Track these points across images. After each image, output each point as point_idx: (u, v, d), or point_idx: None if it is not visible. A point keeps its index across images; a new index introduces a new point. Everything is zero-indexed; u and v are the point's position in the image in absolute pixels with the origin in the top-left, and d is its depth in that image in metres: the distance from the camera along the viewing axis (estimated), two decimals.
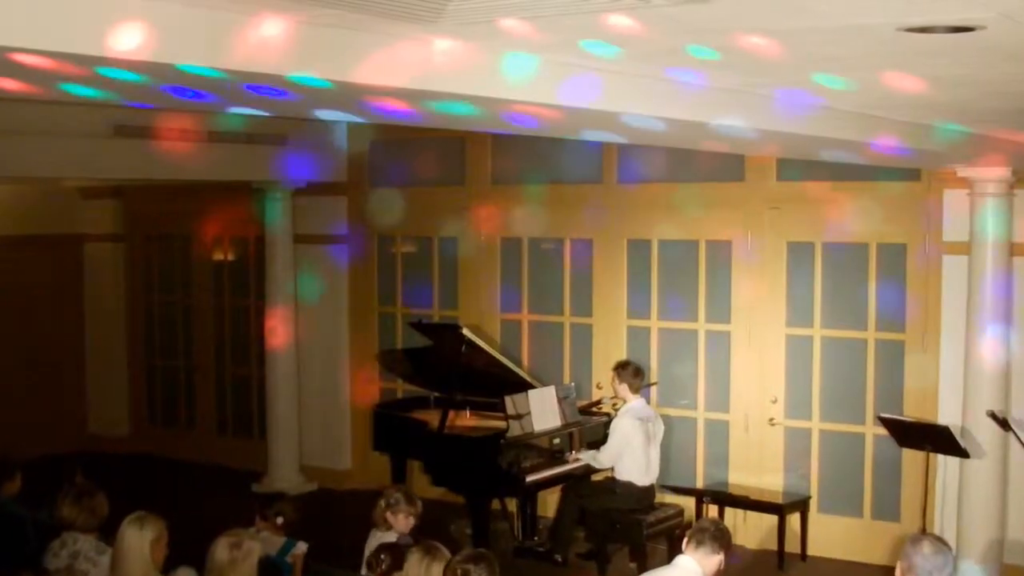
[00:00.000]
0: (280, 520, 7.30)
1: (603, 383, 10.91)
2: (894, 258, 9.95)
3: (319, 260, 12.93)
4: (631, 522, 9.48)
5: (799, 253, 10.33)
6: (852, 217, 10.04)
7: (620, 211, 11.08)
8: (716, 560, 6.01)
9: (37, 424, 13.99)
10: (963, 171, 9.08)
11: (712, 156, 10.24)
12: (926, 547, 4.87)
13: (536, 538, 10.33)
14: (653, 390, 10.75)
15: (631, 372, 9.75)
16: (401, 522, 7.21)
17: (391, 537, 7.10)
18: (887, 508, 10.10)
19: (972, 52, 4.39)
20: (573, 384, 10.66)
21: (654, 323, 10.99)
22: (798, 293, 10.34)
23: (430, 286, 12.32)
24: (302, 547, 7.28)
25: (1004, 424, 8.84)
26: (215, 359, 14.36)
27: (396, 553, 6.46)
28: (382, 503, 7.26)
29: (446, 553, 5.91)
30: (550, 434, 9.89)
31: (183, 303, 14.63)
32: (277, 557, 7.12)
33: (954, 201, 9.57)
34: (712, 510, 10.08)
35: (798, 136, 6.62)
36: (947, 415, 9.52)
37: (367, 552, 6.97)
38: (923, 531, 8.86)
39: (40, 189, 14.33)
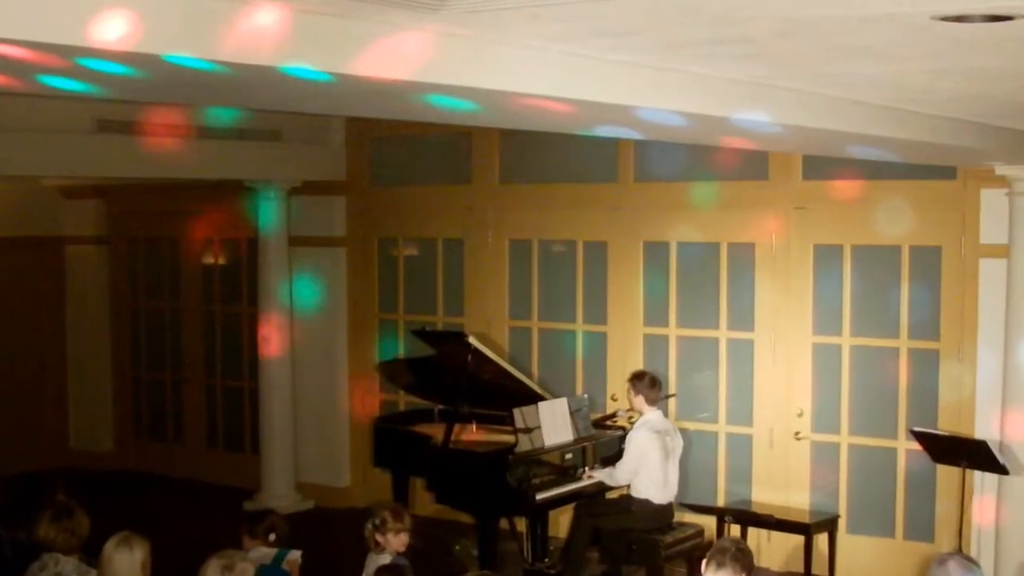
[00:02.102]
0: (272, 537, 7.30)
1: (618, 395, 10.92)
2: (928, 261, 9.95)
3: (316, 264, 12.96)
4: (648, 543, 9.47)
5: (827, 256, 10.32)
6: (883, 218, 10.04)
7: (636, 212, 11.09)
8: None
9: (15, 439, 14.03)
10: (1002, 169, 9.07)
11: (734, 153, 10.24)
12: (952, 566, 4.86)
13: (547, 560, 10.31)
14: (671, 402, 10.75)
15: (647, 383, 9.74)
16: (392, 542, 7.19)
17: (386, 559, 7.11)
18: (920, 528, 10.09)
19: (1010, 42, 4.39)
20: (586, 396, 10.66)
21: (672, 331, 11.00)
22: (826, 299, 10.33)
23: (434, 291, 12.33)
24: (296, 554, 7.28)
25: None
26: (205, 369, 14.38)
27: (397, 575, 6.49)
28: (370, 525, 7.24)
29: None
30: (562, 449, 9.89)
31: (171, 310, 14.66)
32: (272, 566, 7.13)
33: (992, 201, 9.55)
34: (734, 530, 10.05)
35: (825, 132, 6.61)
36: (984, 429, 9.52)
37: None
38: (958, 551, 8.86)
39: (18, 188, 14.35)
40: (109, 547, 6.15)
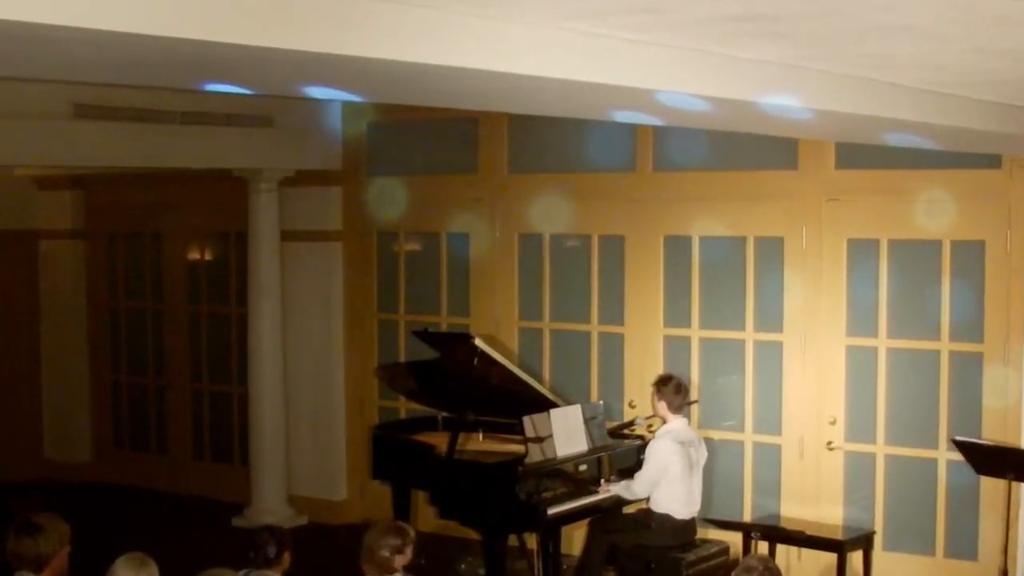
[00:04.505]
0: (272, 552, 7.32)
1: (636, 401, 10.95)
2: (971, 257, 9.95)
3: (310, 260, 12.99)
4: (669, 561, 9.49)
5: (861, 252, 10.34)
6: (922, 210, 10.05)
7: (656, 204, 11.11)
8: None
9: None
10: None
11: (761, 141, 10.25)
12: None
13: None
14: (694, 409, 10.77)
15: (673, 388, 9.76)
16: (400, 560, 7.25)
17: None
18: (963, 545, 10.10)
19: None
20: (602, 403, 10.67)
21: (695, 332, 11.02)
22: (860, 298, 10.35)
23: (437, 290, 12.36)
24: None
25: None
26: (190, 374, 14.42)
27: None
28: (386, 553, 7.26)
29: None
30: (575, 460, 9.91)
31: (153, 309, 14.70)
32: None
33: None
34: (762, 547, 10.08)
35: (859, 117, 6.63)
36: None
37: None
38: (1003, 572, 8.90)
39: None
40: (123, 569, 6.19)
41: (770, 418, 10.75)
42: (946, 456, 10.04)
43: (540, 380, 11.02)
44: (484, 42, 4.45)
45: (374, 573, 7.25)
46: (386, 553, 7.23)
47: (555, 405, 10.09)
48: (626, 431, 10.59)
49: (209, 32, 3.66)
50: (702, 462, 9.83)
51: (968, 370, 10.01)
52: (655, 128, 10.81)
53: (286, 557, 7.33)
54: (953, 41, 5.02)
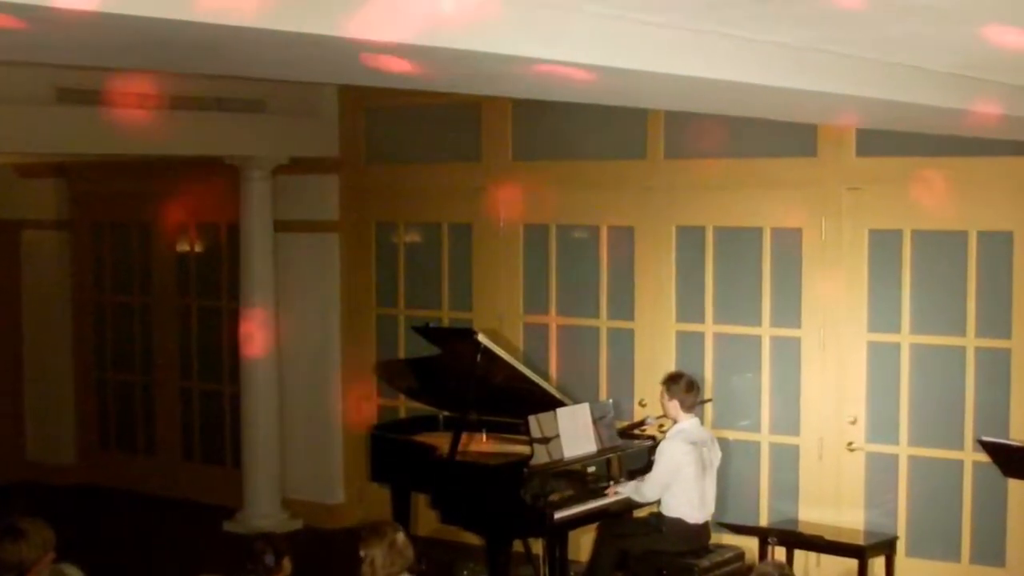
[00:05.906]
0: (271, 560, 7.33)
1: (647, 399, 10.94)
2: (998, 248, 9.94)
3: (305, 252, 13.00)
4: (681, 567, 9.50)
5: (883, 243, 10.33)
6: (947, 199, 10.05)
7: (667, 193, 11.11)
8: None
9: None
10: None
11: (778, 127, 10.24)
12: None
13: None
14: (708, 408, 10.77)
15: (683, 386, 9.75)
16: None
17: None
18: (989, 550, 10.10)
19: None
20: (611, 401, 10.68)
21: (708, 327, 11.02)
22: (882, 291, 10.34)
23: (439, 283, 12.37)
24: None
25: None
26: (179, 371, 14.43)
27: None
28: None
29: None
30: (583, 461, 9.92)
31: (141, 304, 14.71)
32: None
33: None
34: (779, 552, 10.10)
35: (881, 102, 6.63)
36: None
37: None
38: None
39: None
40: None
41: (788, 418, 10.74)
42: (972, 457, 10.03)
43: (546, 378, 11.03)
44: (490, 23, 4.44)
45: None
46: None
47: (562, 404, 10.09)
48: (636, 431, 10.59)
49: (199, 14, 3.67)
50: (716, 463, 9.82)
51: (995, 367, 10.00)
52: (666, 113, 10.81)
53: (286, 564, 7.33)
54: (979, 24, 5.02)
